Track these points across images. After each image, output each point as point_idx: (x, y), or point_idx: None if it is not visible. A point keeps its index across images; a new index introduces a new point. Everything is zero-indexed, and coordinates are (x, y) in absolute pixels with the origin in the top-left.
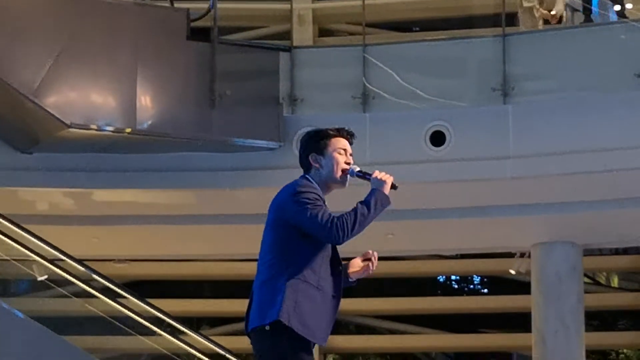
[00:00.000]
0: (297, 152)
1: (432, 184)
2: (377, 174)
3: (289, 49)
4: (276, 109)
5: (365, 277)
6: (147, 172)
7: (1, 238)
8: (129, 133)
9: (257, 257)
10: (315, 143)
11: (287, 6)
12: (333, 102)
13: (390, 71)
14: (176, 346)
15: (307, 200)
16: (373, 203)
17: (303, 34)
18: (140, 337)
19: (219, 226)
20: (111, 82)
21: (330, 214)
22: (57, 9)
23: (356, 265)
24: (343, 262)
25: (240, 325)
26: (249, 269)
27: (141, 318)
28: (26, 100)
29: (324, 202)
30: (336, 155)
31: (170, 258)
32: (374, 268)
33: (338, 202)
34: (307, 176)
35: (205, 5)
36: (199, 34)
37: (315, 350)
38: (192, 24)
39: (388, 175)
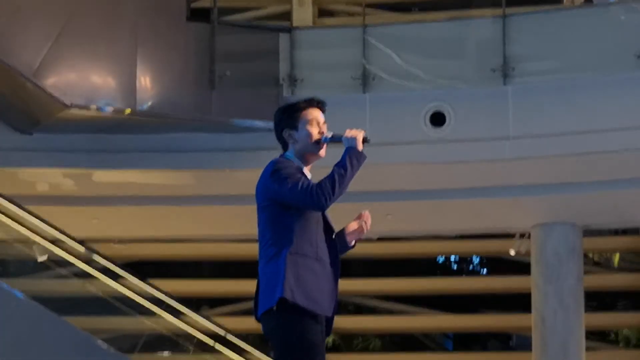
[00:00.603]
0: None
1: (431, 164)
2: (348, 133)
3: (288, 30)
4: (276, 90)
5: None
6: (147, 152)
7: (1, 219)
8: (129, 114)
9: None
10: (287, 119)
11: None
12: (333, 82)
13: (390, 52)
14: (176, 326)
15: (285, 175)
16: (348, 161)
17: (303, 14)
18: (140, 317)
19: (218, 207)
20: (111, 62)
21: (309, 182)
22: None
23: (351, 228)
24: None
25: (240, 306)
26: (249, 250)
27: (141, 298)
28: (26, 81)
29: (304, 175)
30: (308, 127)
31: (170, 239)
32: (369, 227)
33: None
34: (284, 154)
35: None
36: (199, 15)
37: None
38: (192, 5)
39: (358, 131)
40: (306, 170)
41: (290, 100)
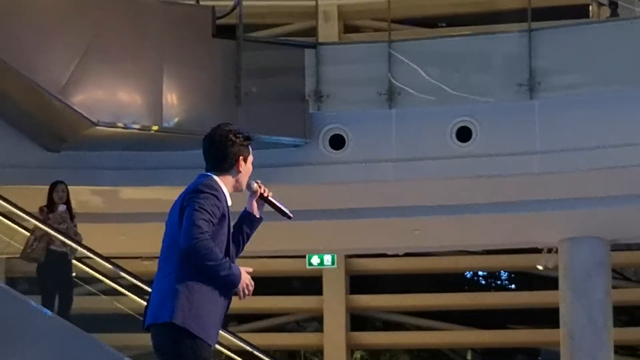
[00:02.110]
0: (323, 149)
1: (458, 179)
2: (243, 280)
3: (314, 46)
4: (302, 106)
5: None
6: (173, 169)
7: (29, 236)
8: (155, 131)
9: (283, 254)
10: (245, 148)
11: (312, 3)
12: (359, 98)
13: (416, 67)
14: None
15: (202, 207)
16: (225, 280)
17: (328, 30)
18: None
19: None
20: (137, 80)
21: (207, 235)
22: (83, 7)
23: (254, 206)
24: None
25: (268, 322)
26: (276, 265)
27: None
28: (53, 98)
29: (226, 208)
30: (250, 165)
31: None
32: (267, 193)
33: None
34: (215, 178)
35: (231, 3)
36: (225, 32)
37: (342, 347)
38: (218, 22)
39: (248, 281)
40: (228, 196)
41: (316, 116)
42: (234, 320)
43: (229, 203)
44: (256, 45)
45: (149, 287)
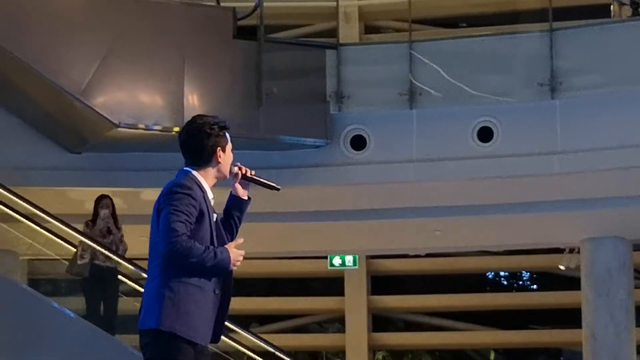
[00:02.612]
0: (344, 150)
1: (479, 180)
2: (233, 258)
3: (335, 47)
4: (323, 107)
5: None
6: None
7: (51, 237)
8: (176, 132)
9: (304, 255)
10: (222, 137)
11: (333, 3)
12: (380, 99)
13: (437, 67)
14: (226, 344)
15: (177, 208)
16: (214, 266)
17: (349, 31)
18: None
19: (266, 224)
20: (158, 81)
21: (184, 234)
22: (104, 9)
23: (237, 189)
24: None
25: (289, 323)
26: (298, 267)
27: None
28: (75, 100)
29: (204, 204)
30: (230, 153)
31: None
32: (250, 172)
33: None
34: (191, 171)
35: (252, 4)
36: (246, 33)
37: (364, 348)
38: (239, 23)
39: (239, 254)
40: (208, 190)
41: (337, 117)
42: (256, 321)
43: (210, 197)
44: (277, 46)
45: None
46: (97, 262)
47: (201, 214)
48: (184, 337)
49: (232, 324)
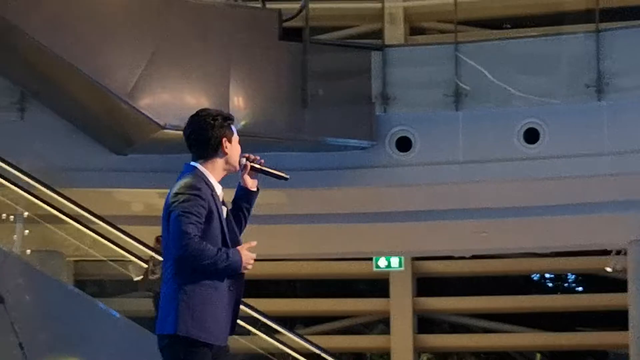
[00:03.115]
0: (390, 151)
1: (526, 181)
2: (245, 257)
3: (380, 48)
4: (368, 108)
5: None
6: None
7: (97, 239)
8: None
9: (350, 256)
10: (226, 128)
11: (378, 5)
12: (425, 100)
13: (482, 69)
14: (271, 345)
15: (186, 208)
16: (227, 267)
17: (394, 32)
18: (236, 336)
19: (311, 225)
20: (204, 83)
21: (195, 234)
22: (150, 11)
23: (246, 180)
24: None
25: (334, 324)
26: (342, 268)
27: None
28: (121, 102)
29: (212, 202)
30: (237, 144)
31: (263, 258)
32: (258, 161)
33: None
34: (201, 168)
35: (297, 6)
36: (291, 34)
37: (409, 349)
38: (284, 24)
39: (250, 256)
40: (217, 185)
41: (382, 118)
42: (300, 323)
43: (219, 192)
44: (322, 48)
45: None
46: None
47: (210, 213)
48: (200, 341)
49: (277, 325)
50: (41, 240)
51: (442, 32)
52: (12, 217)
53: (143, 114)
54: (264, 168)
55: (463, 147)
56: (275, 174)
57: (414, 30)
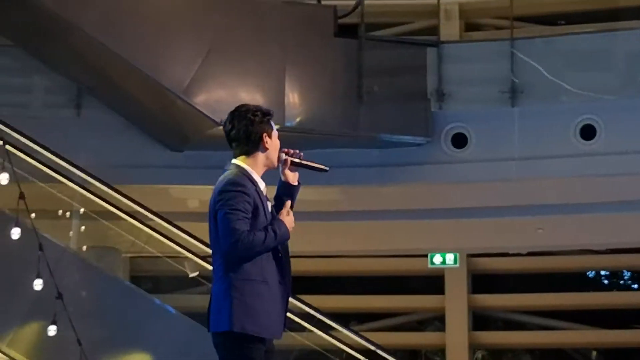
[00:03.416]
0: (445, 148)
1: (582, 178)
2: (286, 219)
3: (436, 44)
4: (424, 105)
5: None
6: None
7: (154, 235)
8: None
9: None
10: (266, 123)
11: (433, 1)
12: (481, 97)
13: (538, 65)
14: (326, 342)
15: (231, 204)
16: (278, 238)
17: (450, 28)
18: (291, 333)
19: (366, 222)
20: (260, 79)
21: (244, 228)
22: (206, 7)
23: (287, 175)
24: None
25: (389, 321)
26: (397, 265)
27: (291, 314)
28: (177, 99)
29: (257, 197)
30: (276, 139)
31: (318, 254)
32: (297, 155)
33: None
34: (243, 165)
35: (352, 2)
36: (346, 31)
37: (464, 346)
38: (339, 21)
39: (293, 223)
40: (260, 181)
41: (438, 115)
42: (355, 320)
43: (262, 187)
44: (378, 44)
45: None
46: None
47: (256, 208)
48: (254, 336)
49: (332, 322)
50: (97, 236)
51: (497, 28)
52: (68, 213)
53: (199, 110)
54: (303, 162)
55: (519, 144)
56: (315, 166)
57: (470, 26)
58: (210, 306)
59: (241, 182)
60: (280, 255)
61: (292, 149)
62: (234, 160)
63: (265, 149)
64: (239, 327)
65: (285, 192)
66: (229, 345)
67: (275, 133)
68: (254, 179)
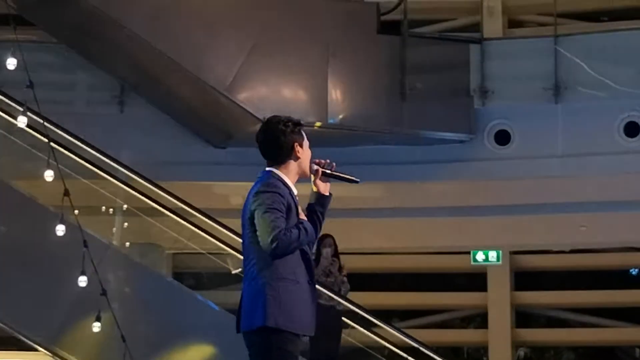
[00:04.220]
0: (488, 145)
1: (626, 175)
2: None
3: (479, 41)
4: (467, 101)
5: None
6: (337, 165)
7: (196, 231)
8: (319, 127)
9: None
10: (297, 133)
11: None
12: (524, 93)
13: (581, 62)
14: (369, 339)
15: (268, 203)
16: (309, 233)
17: (493, 25)
18: None
19: (408, 219)
20: (302, 76)
21: (280, 225)
22: (249, 4)
23: (317, 184)
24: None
25: (431, 318)
26: (440, 262)
27: None
28: (220, 96)
29: (291, 200)
30: (307, 149)
31: (361, 251)
32: (330, 166)
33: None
34: (273, 171)
35: None
36: (389, 28)
37: (507, 344)
38: (382, 18)
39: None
40: (292, 186)
41: (481, 112)
42: (397, 317)
43: (295, 193)
44: (421, 41)
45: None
46: (321, 301)
47: (289, 209)
48: (289, 331)
49: (374, 318)
50: (140, 233)
51: (540, 25)
52: (111, 210)
53: (242, 107)
54: (334, 172)
55: (562, 141)
56: (346, 177)
57: (513, 23)
58: (240, 308)
59: (275, 184)
60: (308, 256)
61: (328, 157)
62: (268, 169)
63: (297, 158)
64: (272, 322)
65: (317, 202)
66: (263, 341)
67: (306, 143)
68: (287, 184)
